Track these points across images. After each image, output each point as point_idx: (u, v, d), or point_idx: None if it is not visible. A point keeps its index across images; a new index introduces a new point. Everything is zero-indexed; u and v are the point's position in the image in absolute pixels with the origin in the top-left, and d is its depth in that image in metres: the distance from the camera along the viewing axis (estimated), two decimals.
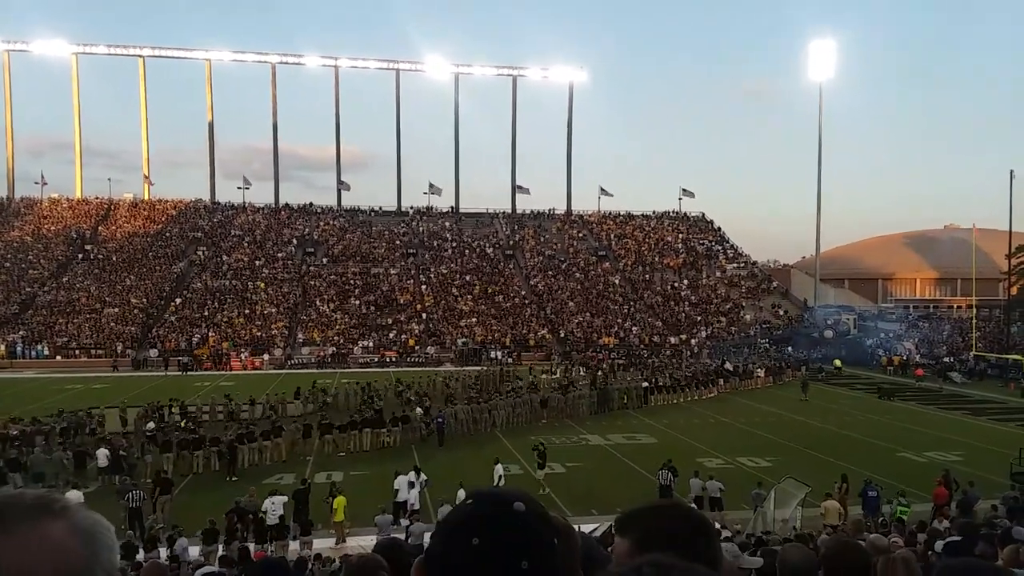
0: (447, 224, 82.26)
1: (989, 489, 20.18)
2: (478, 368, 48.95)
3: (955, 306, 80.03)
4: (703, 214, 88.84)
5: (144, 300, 62.38)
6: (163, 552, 15.37)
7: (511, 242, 79.20)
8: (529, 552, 1.26)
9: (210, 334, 58.12)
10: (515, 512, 1.29)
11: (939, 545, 4.80)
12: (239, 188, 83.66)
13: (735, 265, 78.32)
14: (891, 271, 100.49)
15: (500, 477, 21.27)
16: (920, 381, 47.31)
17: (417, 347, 58.72)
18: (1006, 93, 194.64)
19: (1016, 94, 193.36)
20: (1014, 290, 63.90)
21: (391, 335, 60.28)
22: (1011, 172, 46.90)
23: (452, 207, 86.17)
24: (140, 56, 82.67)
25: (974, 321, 55.56)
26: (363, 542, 17.33)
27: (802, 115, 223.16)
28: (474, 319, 63.51)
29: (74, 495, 18.78)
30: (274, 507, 17.71)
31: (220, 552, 14.66)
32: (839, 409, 38.03)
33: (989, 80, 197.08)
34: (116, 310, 60.74)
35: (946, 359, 54.08)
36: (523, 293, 69.36)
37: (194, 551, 15.93)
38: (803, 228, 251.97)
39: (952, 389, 45.22)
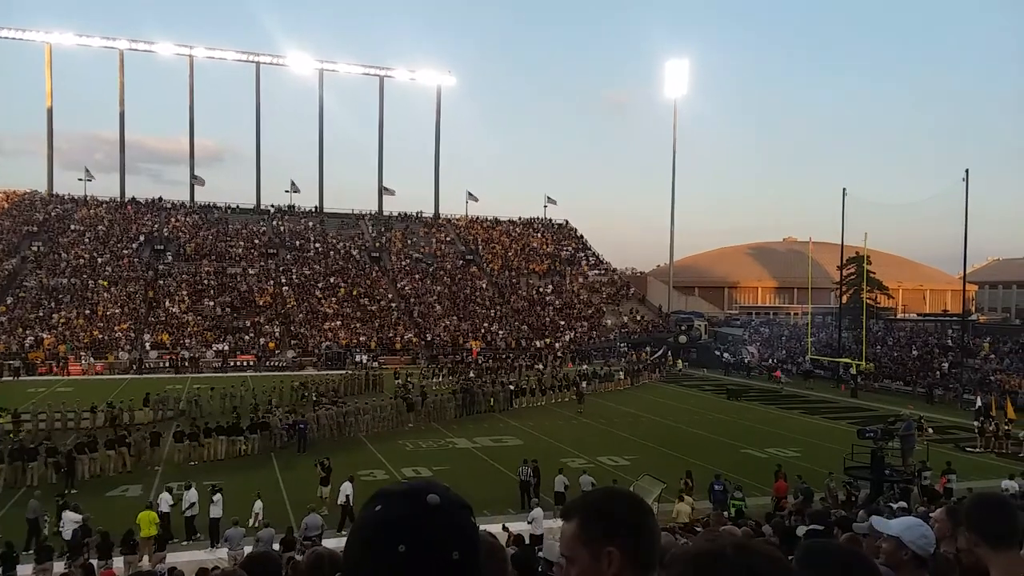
0: (310, 224, 79.98)
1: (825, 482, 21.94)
2: (342, 372, 47.96)
3: (792, 313, 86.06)
4: (567, 221, 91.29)
5: None
6: None
7: (377, 244, 78.08)
8: (458, 542, 1.22)
9: (46, 336, 53.62)
10: (432, 506, 1.23)
11: (801, 530, 5.20)
12: (80, 180, 77.71)
13: (596, 272, 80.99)
14: (736, 280, 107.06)
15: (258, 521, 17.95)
16: (779, 383, 50.52)
17: (277, 350, 56.71)
18: (841, 118, 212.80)
19: (847, 120, 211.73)
20: (845, 299, 69.80)
21: (248, 338, 57.88)
22: (843, 190, 51.36)
23: (316, 207, 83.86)
24: None
25: (809, 327, 60.21)
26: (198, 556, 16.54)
27: (659, 127, 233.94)
28: (338, 322, 62.10)
29: None
30: (64, 526, 16.63)
31: (62, 569, 13.58)
32: (690, 409, 40.17)
33: (825, 105, 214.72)
34: None
35: (782, 363, 58.24)
36: (389, 296, 68.55)
37: (26, 569, 14.74)
38: (658, 237, 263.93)
39: (791, 390, 48.75)
